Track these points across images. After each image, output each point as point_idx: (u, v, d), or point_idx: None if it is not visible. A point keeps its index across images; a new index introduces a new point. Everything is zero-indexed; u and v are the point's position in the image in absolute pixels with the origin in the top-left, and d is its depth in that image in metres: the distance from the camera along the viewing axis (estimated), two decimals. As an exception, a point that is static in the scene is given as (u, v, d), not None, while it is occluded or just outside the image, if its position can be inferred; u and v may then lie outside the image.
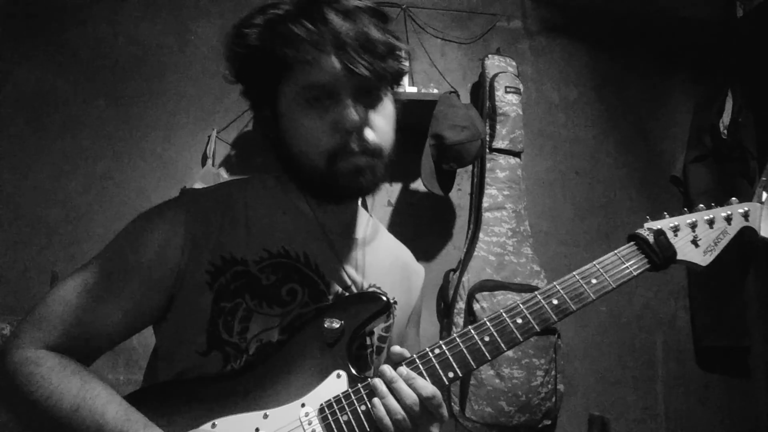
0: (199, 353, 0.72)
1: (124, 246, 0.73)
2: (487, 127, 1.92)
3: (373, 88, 0.73)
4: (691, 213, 0.82)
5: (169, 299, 0.74)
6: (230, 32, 0.73)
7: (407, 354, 0.71)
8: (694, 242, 0.81)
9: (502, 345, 0.71)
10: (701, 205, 0.84)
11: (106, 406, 0.63)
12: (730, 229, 0.82)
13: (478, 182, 1.93)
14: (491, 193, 1.88)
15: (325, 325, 0.73)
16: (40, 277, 1.80)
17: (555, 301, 0.74)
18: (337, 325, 0.73)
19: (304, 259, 0.78)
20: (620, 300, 2.03)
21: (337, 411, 0.68)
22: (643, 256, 0.78)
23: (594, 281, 0.75)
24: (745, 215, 0.83)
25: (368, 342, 0.83)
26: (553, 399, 1.74)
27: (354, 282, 0.82)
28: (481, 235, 1.84)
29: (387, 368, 0.69)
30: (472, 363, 0.71)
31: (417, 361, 0.70)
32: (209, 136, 1.92)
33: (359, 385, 0.70)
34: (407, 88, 1.83)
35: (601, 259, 0.77)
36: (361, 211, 0.91)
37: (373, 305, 0.76)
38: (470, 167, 1.98)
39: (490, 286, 1.75)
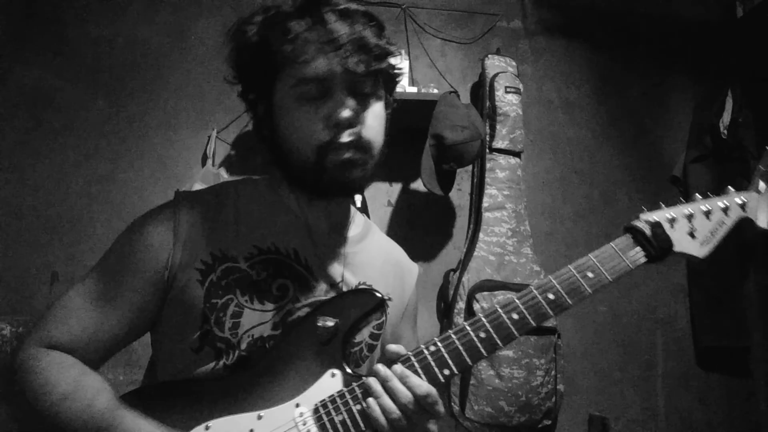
0: (192, 350, 0.73)
1: (119, 252, 0.76)
2: (487, 127, 1.92)
3: (366, 88, 0.75)
4: (687, 203, 0.81)
5: (163, 299, 0.75)
6: (232, 28, 0.76)
7: (403, 351, 0.70)
8: (691, 234, 0.79)
9: (498, 341, 0.70)
10: (698, 195, 0.82)
11: (96, 396, 0.65)
12: (728, 219, 0.81)
13: (478, 182, 1.93)
14: (491, 193, 1.88)
15: (319, 324, 0.73)
16: (40, 277, 1.80)
17: (551, 296, 0.73)
18: (331, 324, 0.73)
19: (294, 255, 0.79)
20: (620, 300, 2.03)
21: (332, 411, 0.68)
22: (639, 248, 0.77)
23: (590, 275, 0.74)
24: (743, 206, 0.81)
25: (359, 339, 0.83)
26: (553, 399, 1.74)
27: (343, 279, 0.82)
28: (481, 235, 1.84)
29: (381, 367, 0.68)
30: (468, 360, 0.70)
31: (412, 358, 0.70)
32: (209, 136, 1.92)
33: (354, 384, 0.70)
34: (407, 88, 1.83)
35: (596, 251, 0.76)
36: (354, 210, 0.92)
37: (367, 302, 0.76)
38: (470, 167, 1.98)
39: (490, 286, 1.75)
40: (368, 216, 1.85)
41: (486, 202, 1.88)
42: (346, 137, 0.72)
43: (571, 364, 1.94)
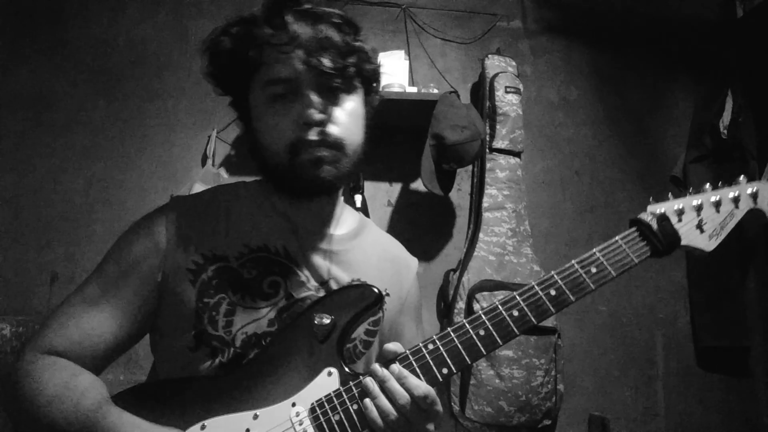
0: (188, 349, 0.74)
1: (115, 257, 0.77)
2: (487, 127, 1.92)
3: (336, 85, 0.76)
4: (697, 194, 0.77)
5: (159, 300, 0.76)
6: (206, 39, 0.78)
7: (400, 350, 0.70)
8: (699, 227, 0.76)
9: (498, 339, 0.69)
10: (707, 185, 0.78)
11: (83, 396, 0.65)
12: (737, 211, 0.77)
13: (478, 182, 1.93)
14: (491, 193, 1.88)
15: (315, 321, 0.72)
16: (40, 277, 1.80)
17: (553, 292, 0.71)
18: (327, 321, 0.72)
19: (284, 252, 0.79)
20: (620, 300, 2.03)
21: (329, 411, 0.67)
22: (645, 242, 0.75)
23: (594, 270, 0.73)
24: (754, 196, 0.77)
25: (354, 336, 0.82)
26: (553, 399, 1.74)
27: (332, 277, 0.82)
28: (481, 235, 1.84)
29: (378, 367, 0.68)
30: (467, 358, 0.69)
31: (410, 357, 0.69)
32: (209, 136, 1.92)
33: (351, 383, 0.69)
34: (407, 88, 1.83)
35: (601, 245, 0.74)
36: (346, 208, 0.92)
37: (364, 298, 0.75)
38: (470, 167, 1.98)
39: (490, 286, 1.75)
40: (368, 216, 1.85)
41: (486, 202, 1.88)
42: (314, 135, 0.73)
43: (571, 364, 1.94)
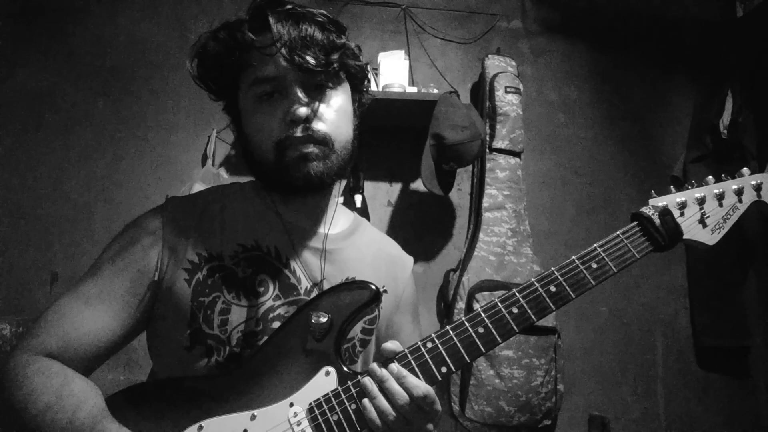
0: (184, 348, 0.74)
1: (111, 256, 0.77)
2: (487, 127, 1.92)
3: (322, 82, 0.77)
4: (699, 187, 0.76)
5: (155, 299, 0.76)
6: (195, 44, 0.79)
7: (399, 348, 0.69)
8: (702, 221, 0.74)
9: (497, 337, 0.69)
10: (710, 177, 0.76)
11: (79, 407, 0.64)
12: (741, 204, 0.75)
13: (478, 182, 1.93)
14: (491, 193, 1.88)
15: (312, 320, 0.72)
16: (40, 277, 1.80)
17: (553, 289, 0.70)
18: (325, 319, 0.72)
19: (275, 253, 0.79)
20: (620, 300, 2.03)
21: (327, 411, 0.67)
22: (646, 237, 0.73)
23: (594, 265, 0.71)
24: (758, 188, 0.76)
25: (351, 335, 0.82)
26: (553, 399, 1.74)
27: (326, 277, 0.81)
28: (481, 235, 1.84)
29: (377, 367, 0.67)
30: (466, 357, 0.68)
31: (408, 356, 0.68)
32: (209, 136, 1.92)
33: (349, 383, 0.68)
34: (407, 88, 1.83)
35: (602, 240, 0.73)
36: (340, 207, 0.92)
37: (361, 295, 0.74)
38: (470, 167, 1.98)
39: (490, 286, 1.75)
40: (368, 216, 1.85)
41: (486, 202, 1.87)
42: (299, 132, 0.74)
43: (571, 364, 1.94)
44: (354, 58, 0.81)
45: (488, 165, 1.90)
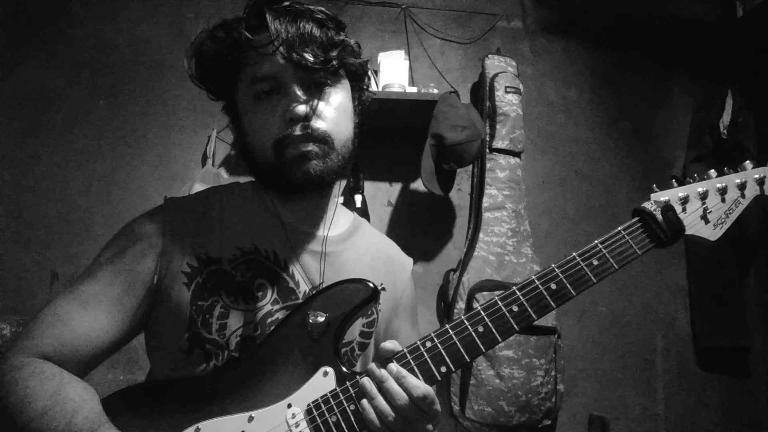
0: (182, 351, 0.73)
1: (108, 256, 0.76)
2: (487, 127, 1.92)
3: (320, 79, 0.76)
4: (701, 181, 0.75)
5: (153, 302, 0.75)
6: (193, 43, 0.78)
7: (398, 348, 0.68)
8: (704, 216, 0.73)
9: (497, 335, 0.68)
10: (712, 171, 0.75)
11: (75, 412, 0.62)
12: (743, 199, 0.74)
13: (478, 182, 1.93)
14: (491, 193, 1.88)
15: (310, 320, 0.71)
16: (40, 277, 1.80)
17: (553, 286, 0.69)
18: (322, 319, 0.71)
19: (273, 257, 0.78)
20: (620, 300, 2.03)
21: (326, 412, 0.66)
22: (648, 233, 0.72)
23: (595, 262, 0.70)
24: (761, 182, 0.74)
25: (350, 339, 0.81)
26: (553, 399, 1.74)
27: (325, 281, 0.80)
28: (481, 235, 1.84)
29: (376, 367, 0.67)
30: (466, 356, 0.67)
31: (408, 356, 0.67)
32: (209, 136, 1.92)
33: (348, 383, 0.67)
34: (407, 88, 1.83)
35: (603, 237, 0.72)
36: (339, 208, 0.91)
37: (359, 293, 0.73)
38: (470, 167, 1.98)
39: (490, 286, 1.75)
40: (368, 216, 1.85)
41: (486, 202, 1.87)
42: (299, 130, 0.73)
43: (571, 364, 1.94)
44: (353, 55, 0.80)
45: (488, 165, 1.90)
